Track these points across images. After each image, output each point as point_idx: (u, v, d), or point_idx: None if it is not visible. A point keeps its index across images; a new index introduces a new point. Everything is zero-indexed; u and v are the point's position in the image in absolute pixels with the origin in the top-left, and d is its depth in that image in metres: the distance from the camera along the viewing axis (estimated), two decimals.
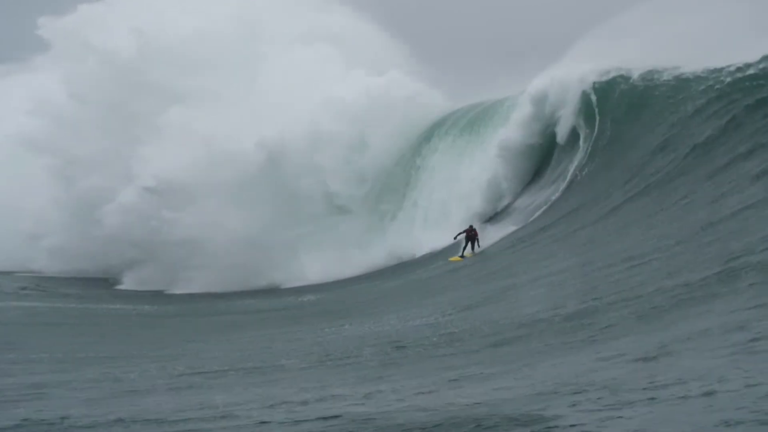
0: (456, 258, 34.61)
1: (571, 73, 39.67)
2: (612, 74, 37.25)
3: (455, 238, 36.06)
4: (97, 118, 51.17)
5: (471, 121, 47.21)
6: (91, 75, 51.25)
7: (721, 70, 31.60)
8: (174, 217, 46.47)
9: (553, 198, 35.55)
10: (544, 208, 35.17)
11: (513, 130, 41.69)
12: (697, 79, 32.70)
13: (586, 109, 37.56)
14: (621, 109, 35.86)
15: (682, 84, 33.44)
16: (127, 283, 45.68)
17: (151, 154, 48.26)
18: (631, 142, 33.62)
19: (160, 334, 24.52)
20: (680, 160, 29.01)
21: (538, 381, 10.86)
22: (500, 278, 25.35)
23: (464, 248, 34.82)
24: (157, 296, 40.38)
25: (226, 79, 49.98)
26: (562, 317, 15.86)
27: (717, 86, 31.13)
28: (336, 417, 10.21)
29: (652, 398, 9.02)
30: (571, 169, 36.15)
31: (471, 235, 34.92)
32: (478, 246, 34.75)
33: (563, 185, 35.80)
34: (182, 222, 46.23)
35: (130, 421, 11.16)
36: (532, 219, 34.84)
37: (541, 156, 40.37)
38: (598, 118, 36.65)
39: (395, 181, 48.16)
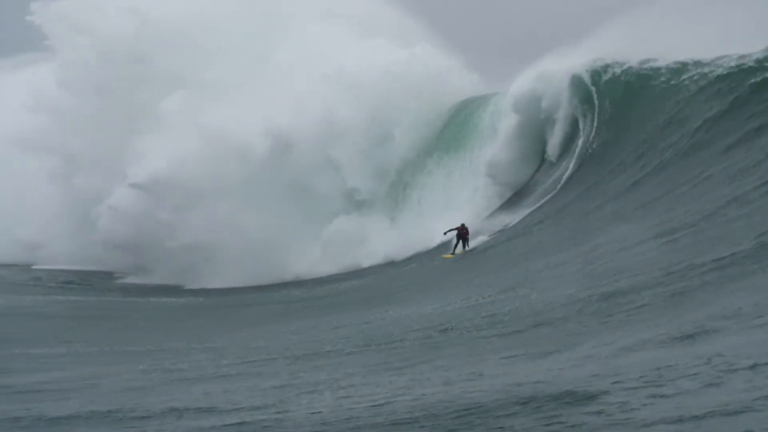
0: (448, 255, 34.05)
1: (561, 64, 38.27)
2: (606, 61, 36.43)
3: (445, 233, 35.25)
4: (93, 109, 47.16)
5: (456, 131, 45.29)
6: (86, 62, 47.42)
7: (722, 57, 31.08)
8: (173, 219, 42.63)
9: (566, 175, 34.94)
10: (559, 186, 34.63)
11: (502, 146, 40.09)
12: (697, 63, 32.22)
13: (582, 93, 36.73)
14: (619, 91, 35.26)
15: (682, 68, 32.89)
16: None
17: (146, 147, 44.15)
18: (637, 119, 33.23)
19: (205, 325, 24.72)
20: (690, 135, 28.76)
21: (581, 361, 11.01)
22: (532, 259, 25.29)
23: (455, 246, 34.28)
24: (196, 289, 39.12)
25: (231, 64, 46.15)
26: (598, 297, 15.86)
27: (719, 70, 30.63)
28: (386, 403, 10.38)
29: (695, 374, 9.14)
30: (579, 145, 35.62)
31: (461, 234, 34.32)
32: (467, 245, 34.08)
33: (572, 162, 35.23)
34: (187, 225, 42.32)
35: (183, 410, 11.36)
36: (549, 197, 34.37)
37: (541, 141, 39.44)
38: (596, 100, 35.93)
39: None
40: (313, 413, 10.43)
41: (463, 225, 34.56)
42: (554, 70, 38.57)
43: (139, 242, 43.23)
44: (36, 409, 11.89)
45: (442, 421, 9.22)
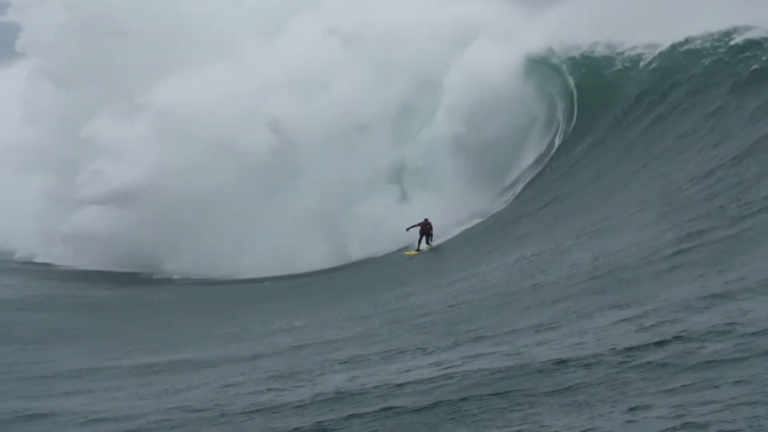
0: (413, 252, 31.79)
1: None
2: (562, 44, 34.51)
3: (407, 230, 32.20)
4: (65, 99, 38.92)
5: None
6: (55, 42, 39.17)
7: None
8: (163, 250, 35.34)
9: (568, 126, 33.27)
10: (558, 142, 33.13)
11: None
12: (657, 44, 31.14)
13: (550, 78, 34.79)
14: (586, 65, 33.67)
15: (651, 45, 31.45)
16: None
17: (114, 149, 35.98)
18: (621, 79, 31.83)
19: (293, 304, 24.57)
20: (689, 80, 27.87)
21: (661, 310, 11.23)
22: (587, 212, 23.84)
23: (419, 242, 31.95)
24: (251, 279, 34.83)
25: (232, 35, 37.55)
26: (667, 243, 15.61)
27: (695, 34, 29.34)
28: (490, 354, 10.95)
29: None
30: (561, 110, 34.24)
31: (425, 229, 31.83)
32: (431, 241, 31.77)
33: (571, 117, 33.54)
34: (183, 252, 35.28)
35: (303, 372, 12.43)
36: (556, 148, 32.90)
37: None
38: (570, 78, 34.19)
39: None
40: (428, 368, 11.08)
41: (426, 220, 32.02)
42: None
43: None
44: (199, 379, 13.25)
45: (544, 373, 9.73)
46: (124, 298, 30.16)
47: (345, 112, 36.01)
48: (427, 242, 31.93)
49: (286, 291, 29.66)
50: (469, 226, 32.49)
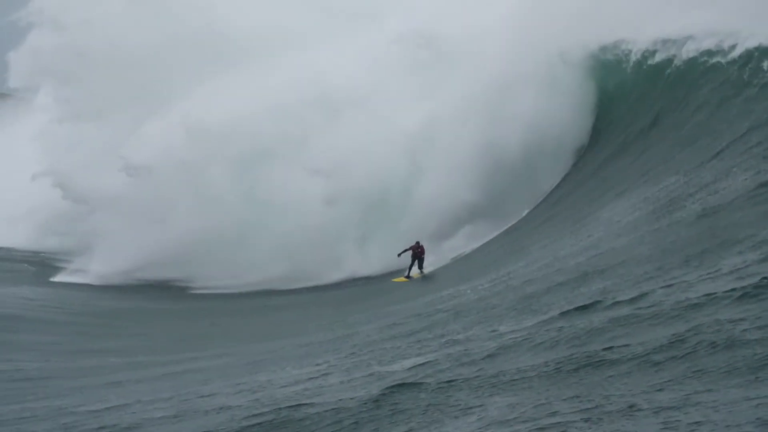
0: (401, 279, 29.53)
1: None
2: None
3: (399, 255, 29.82)
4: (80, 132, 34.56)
5: None
6: (60, 71, 34.62)
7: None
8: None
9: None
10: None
11: None
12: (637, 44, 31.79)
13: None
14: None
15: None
16: None
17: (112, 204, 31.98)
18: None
19: (376, 303, 24.72)
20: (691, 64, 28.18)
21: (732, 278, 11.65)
22: (669, 160, 23.54)
23: (410, 267, 29.54)
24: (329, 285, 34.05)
25: (267, 55, 32.27)
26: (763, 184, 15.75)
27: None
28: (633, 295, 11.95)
29: None
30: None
31: (417, 252, 29.40)
32: (423, 268, 29.54)
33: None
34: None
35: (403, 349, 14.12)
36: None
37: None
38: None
39: None
40: (551, 328, 12.04)
41: (417, 243, 29.57)
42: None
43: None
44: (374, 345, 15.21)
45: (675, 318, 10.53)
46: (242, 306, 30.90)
47: (404, 143, 31.92)
48: (419, 267, 29.59)
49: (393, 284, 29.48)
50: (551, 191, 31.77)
